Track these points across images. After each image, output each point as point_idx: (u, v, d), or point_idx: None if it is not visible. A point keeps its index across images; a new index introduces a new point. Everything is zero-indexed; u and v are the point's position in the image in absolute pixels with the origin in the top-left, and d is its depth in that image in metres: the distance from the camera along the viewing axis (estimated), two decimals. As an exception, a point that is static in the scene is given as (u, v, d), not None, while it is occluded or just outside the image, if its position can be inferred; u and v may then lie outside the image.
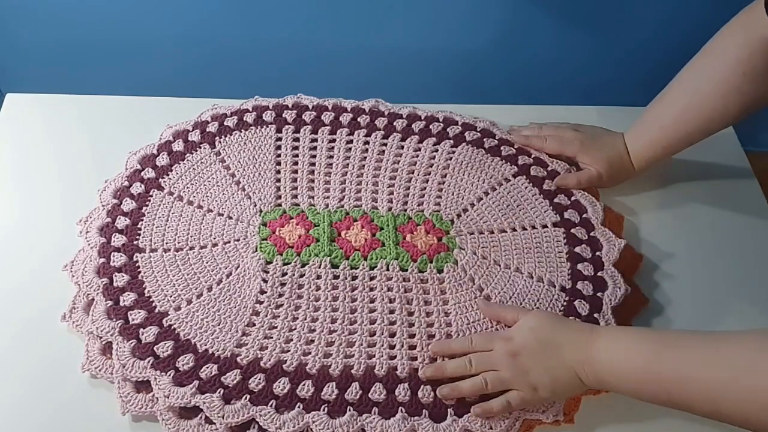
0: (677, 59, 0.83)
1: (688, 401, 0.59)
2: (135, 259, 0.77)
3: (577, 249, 0.81)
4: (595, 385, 0.66)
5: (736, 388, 0.55)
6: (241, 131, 0.91)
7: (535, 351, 0.67)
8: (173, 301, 0.74)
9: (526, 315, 0.71)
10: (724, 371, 0.56)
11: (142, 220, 0.81)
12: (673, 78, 0.83)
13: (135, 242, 0.79)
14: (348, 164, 0.89)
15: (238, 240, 0.80)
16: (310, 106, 0.94)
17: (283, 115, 0.93)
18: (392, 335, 0.73)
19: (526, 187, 0.87)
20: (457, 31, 1.17)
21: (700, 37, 0.80)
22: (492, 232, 0.83)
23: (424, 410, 0.67)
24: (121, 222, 0.80)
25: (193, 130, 0.90)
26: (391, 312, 0.75)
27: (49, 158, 0.89)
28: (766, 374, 0.53)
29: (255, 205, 0.84)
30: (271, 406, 0.66)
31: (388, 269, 0.78)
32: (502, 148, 0.91)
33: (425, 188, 0.87)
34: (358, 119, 0.93)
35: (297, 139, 0.91)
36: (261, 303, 0.75)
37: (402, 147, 0.91)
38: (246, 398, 0.67)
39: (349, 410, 0.67)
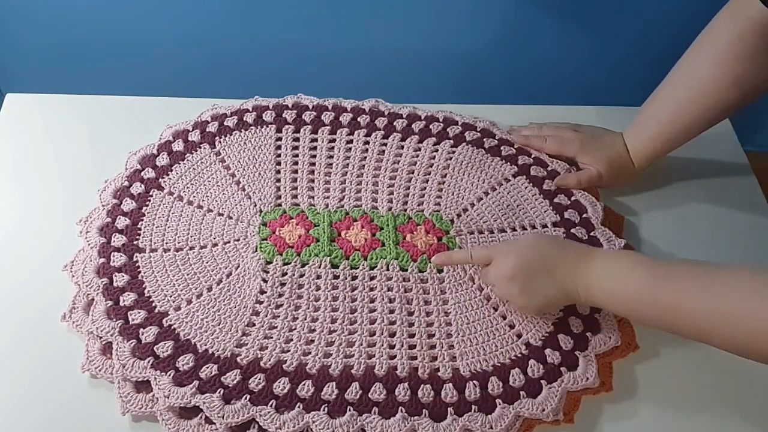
0: (676, 59, 0.83)
1: (679, 328, 0.63)
2: (135, 259, 0.77)
3: (577, 249, 0.81)
4: (586, 304, 0.70)
5: (726, 321, 0.58)
6: (241, 131, 0.91)
7: (530, 270, 0.69)
8: (173, 301, 0.74)
9: (528, 235, 0.78)
10: (716, 304, 0.59)
11: (142, 220, 0.81)
12: (668, 73, 0.83)
13: (135, 242, 0.79)
14: (348, 164, 0.89)
15: (238, 240, 0.80)
16: (310, 106, 0.94)
17: (283, 115, 0.93)
18: (392, 335, 0.73)
19: (526, 187, 0.87)
20: (457, 31, 1.17)
21: (698, 36, 0.80)
22: (492, 232, 0.83)
23: (424, 410, 0.67)
24: (121, 222, 0.80)
25: (193, 130, 0.90)
26: (391, 312, 0.75)
27: (49, 158, 0.89)
28: (755, 310, 0.56)
29: (255, 205, 0.84)
30: (271, 406, 0.66)
31: (388, 269, 0.78)
32: (502, 148, 0.91)
33: (425, 188, 0.87)
34: (358, 119, 0.93)
35: (297, 139, 0.91)
36: (261, 303, 0.75)
37: (402, 147, 0.91)
38: (246, 398, 0.67)
39: (349, 410, 0.67)
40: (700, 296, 0.60)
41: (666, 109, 0.82)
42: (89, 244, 0.78)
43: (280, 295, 0.76)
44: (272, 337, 0.72)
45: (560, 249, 0.71)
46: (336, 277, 0.77)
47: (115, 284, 0.74)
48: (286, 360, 0.70)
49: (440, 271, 0.79)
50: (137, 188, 0.84)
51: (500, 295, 0.74)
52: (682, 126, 0.82)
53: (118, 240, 0.78)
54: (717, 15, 0.78)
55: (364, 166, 0.89)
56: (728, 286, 0.59)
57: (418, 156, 0.90)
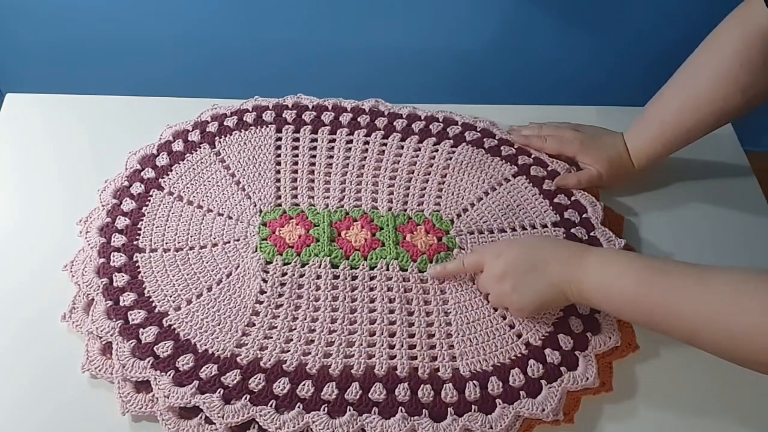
0: (676, 59, 0.83)
1: (669, 327, 0.62)
2: (135, 259, 0.77)
3: (577, 249, 0.81)
4: (578, 302, 0.69)
5: (717, 324, 0.58)
6: (241, 131, 0.91)
7: (519, 272, 0.69)
8: (173, 301, 0.74)
9: (520, 236, 0.78)
10: (709, 306, 0.58)
11: (142, 220, 0.81)
12: (672, 75, 0.83)
13: (135, 242, 0.79)
14: (348, 164, 0.89)
15: (238, 240, 0.80)
16: (310, 106, 0.94)
17: (283, 115, 0.93)
18: (392, 335, 0.73)
19: (526, 187, 0.87)
20: (457, 31, 1.17)
21: (699, 36, 0.80)
22: (492, 232, 0.83)
23: (424, 410, 0.67)
24: (121, 222, 0.80)
25: (193, 130, 0.90)
26: (391, 312, 0.75)
27: (49, 158, 0.89)
28: (747, 315, 0.56)
29: (255, 205, 0.84)
30: (271, 406, 0.66)
31: (388, 269, 0.78)
32: (502, 148, 0.91)
33: (425, 188, 0.87)
34: (358, 119, 0.93)
35: (297, 139, 0.91)
36: (261, 303, 0.75)
37: (402, 147, 0.91)
38: (246, 398, 0.67)
39: (349, 410, 0.67)
40: (690, 296, 0.60)
41: (669, 112, 0.82)
42: (89, 244, 0.78)
43: (280, 295, 0.76)
44: (272, 337, 0.72)
45: (551, 246, 0.71)
46: (336, 277, 0.77)
47: (115, 284, 0.74)
48: (286, 360, 0.70)
49: (440, 279, 0.78)
50: (137, 188, 0.84)
51: (494, 300, 0.74)
52: (684, 129, 0.82)
53: (118, 240, 0.78)
54: (724, 21, 0.78)
55: (364, 166, 0.89)
56: (719, 287, 0.58)
57: (418, 156, 0.90)
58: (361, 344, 0.72)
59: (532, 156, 0.91)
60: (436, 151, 0.90)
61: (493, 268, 0.71)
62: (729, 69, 0.76)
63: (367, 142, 0.91)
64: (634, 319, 0.70)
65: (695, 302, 0.59)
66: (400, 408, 0.67)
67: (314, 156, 0.89)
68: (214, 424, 0.65)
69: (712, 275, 0.60)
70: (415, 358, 0.71)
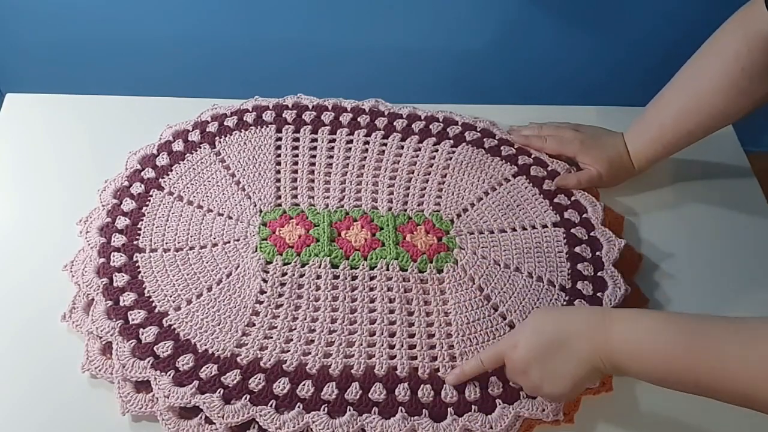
0: (676, 59, 0.83)
1: (719, 393, 0.57)
2: (135, 259, 0.77)
3: (577, 249, 0.81)
4: (613, 372, 0.63)
5: None
6: (241, 131, 0.91)
7: (542, 358, 0.63)
8: (173, 301, 0.74)
9: (530, 316, 0.66)
10: (761, 368, 0.54)
11: (142, 220, 0.81)
12: (673, 77, 0.83)
13: (135, 242, 0.79)
14: (348, 164, 0.89)
15: (238, 240, 0.80)
16: (310, 106, 0.94)
17: (283, 115, 0.93)
18: (392, 335, 0.73)
19: (526, 187, 0.87)
20: (457, 31, 1.17)
21: (699, 36, 0.80)
22: (492, 232, 0.83)
23: (424, 410, 0.67)
24: (121, 222, 0.80)
25: (193, 130, 0.90)
26: (391, 312, 0.75)
27: (49, 158, 0.89)
28: None
29: (255, 205, 0.84)
30: (271, 406, 0.66)
31: (388, 269, 0.78)
32: (502, 148, 0.91)
33: (425, 188, 0.87)
34: (358, 119, 0.93)
35: (297, 139, 0.91)
36: (261, 303, 0.75)
37: (402, 147, 0.91)
38: (246, 398, 0.67)
39: (349, 410, 0.67)
40: (745, 356, 0.55)
41: (669, 113, 0.82)
42: (89, 244, 0.78)
43: (280, 295, 0.76)
44: (272, 337, 0.72)
45: (569, 318, 0.65)
46: (336, 277, 0.77)
47: (115, 284, 0.74)
48: (286, 360, 0.70)
49: (440, 271, 0.79)
50: (137, 188, 0.84)
51: (528, 391, 0.67)
52: (684, 131, 0.82)
53: (118, 240, 0.78)
54: (725, 24, 0.78)
55: (364, 166, 0.89)
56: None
57: (418, 156, 0.90)
58: (361, 344, 0.72)
59: (532, 156, 0.91)
60: (436, 151, 0.90)
61: (515, 363, 0.65)
62: (731, 72, 0.76)
63: (367, 142, 0.91)
64: (677, 386, 0.60)
65: (746, 366, 0.55)
66: (400, 408, 0.67)
67: (314, 156, 0.89)
68: (214, 424, 0.65)
69: (756, 334, 0.55)
70: (415, 358, 0.71)
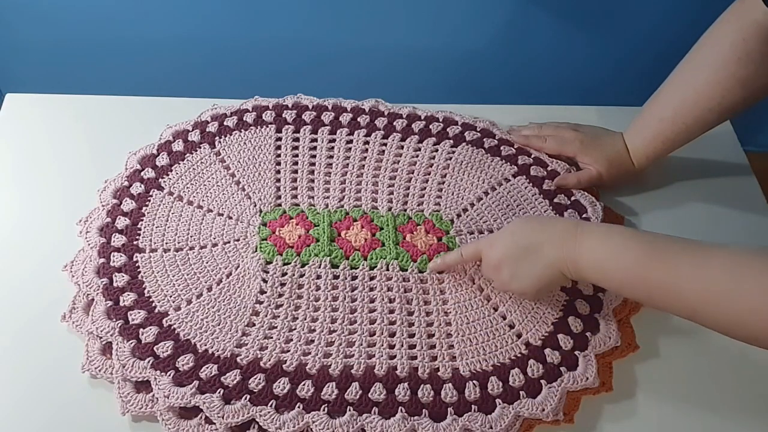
0: (676, 58, 0.83)
1: (668, 306, 0.63)
2: (135, 259, 0.77)
3: (577, 249, 0.81)
4: (576, 279, 0.70)
5: (717, 306, 0.58)
6: (241, 131, 0.91)
7: (514, 258, 0.69)
8: (173, 301, 0.74)
9: (514, 220, 0.76)
10: (710, 286, 0.58)
11: (142, 220, 0.81)
12: (670, 73, 0.83)
13: (135, 242, 0.79)
14: (348, 164, 0.89)
15: (238, 240, 0.80)
16: (310, 106, 0.94)
17: (283, 115, 0.93)
18: (392, 335, 0.73)
19: (526, 187, 0.87)
20: (457, 31, 1.17)
21: (698, 36, 0.80)
22: (492, 232, 0.83)
23: (423, 410, 0.67)
24: (121, 222, 0.80)
25: (193, 130, 0.90)
26: (391, 312, 0.75)
27: (49, 158, 0.89)
28: (747, 298, 0.56)
29: (255, 205, 0.84)
30: (271, 406, 0.66)
31: (388, 269, 0.78)
32: (502, 148, 0.91)
33: (425, 188, 0.87)
34: (358, 119, 0.93)
35: (297, 139, 0.91)
36: (261, 303, 0.75)
37: (402, 147, 0.91)
38: (246, 398, 0.67)
39: (349, 410, 0.67)
40: (694, 275, 0.60)
41: (668, 109, 0.82)
42: (89, 244, 0.78)
43: (280, 295, 0.76)
44: (272, 337, 0.72)
45: (545, 227, 0.70)
46: (336, 277, 0.77)
47: (115, 284, 0.74)
48: (286, 360, 0.70)
49: (440, 271, 0.79)
50: (137, 188, 0.84)
51: (497, 287, 0.75)
52: (683, 126, 0.82)
53: (118, 240, 0.78)
54: (721, 16, 0.78)
55: (364, 166, 0.89)
56: (718, 269, 0.58)
57: (418, 156, 0.90)
58: (361, 344, 0.72)
59: (532, 156, 0.91)
60: (436, 151, 0.90)
61: (489, 259, 0.72)
62: (727, 63, 0.76)
63: (367, 142, 0.91)
64: (633, 297, 0.71)
65: (695, 283, 0.59)
66: (400, 408, 0.67)
67: (314, 156, 0.89)
68: (214, 424, 0.65)
69: (711, 255, 0.60)
70: (415, 358, 0.71)
